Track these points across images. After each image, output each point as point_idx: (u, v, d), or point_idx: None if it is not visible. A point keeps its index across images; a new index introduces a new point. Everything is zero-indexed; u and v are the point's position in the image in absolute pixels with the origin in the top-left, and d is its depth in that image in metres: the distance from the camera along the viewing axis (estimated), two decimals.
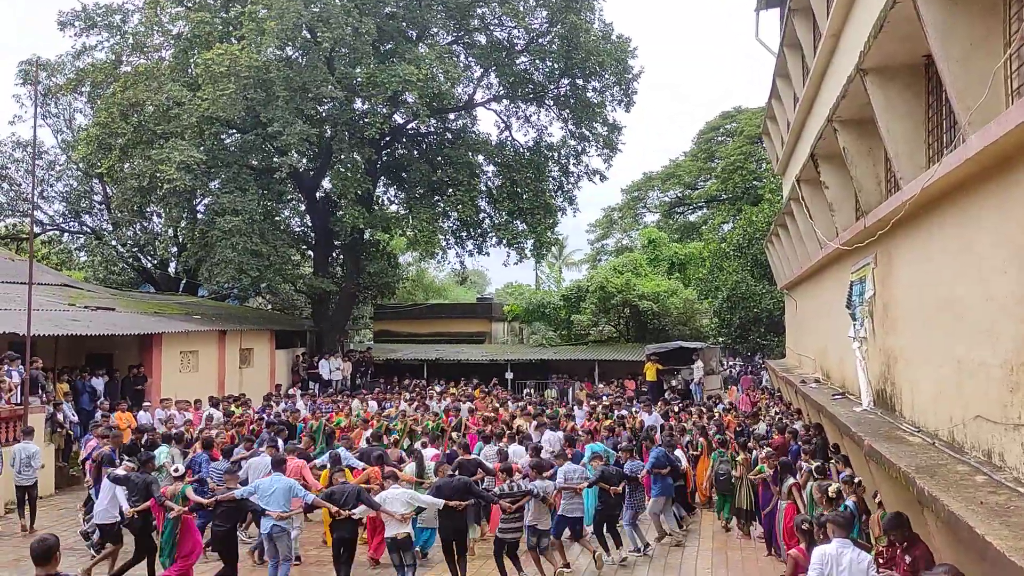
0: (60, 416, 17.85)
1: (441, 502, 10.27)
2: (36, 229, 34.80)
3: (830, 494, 9.33)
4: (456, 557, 10.48)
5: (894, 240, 9.49)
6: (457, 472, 11.61)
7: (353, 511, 10.07)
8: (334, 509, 10.08)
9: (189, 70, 28.64)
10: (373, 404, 23.02)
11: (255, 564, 11.78)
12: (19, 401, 16.34)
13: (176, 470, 10.94)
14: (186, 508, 10.31)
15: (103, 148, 27.91)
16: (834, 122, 10.61)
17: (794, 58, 18.80)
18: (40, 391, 17.80)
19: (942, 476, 6.33)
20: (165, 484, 11.12)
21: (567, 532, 11.86)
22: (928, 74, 8.71)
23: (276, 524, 10.12)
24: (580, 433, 16.23)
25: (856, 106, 9.76)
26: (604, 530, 12.34)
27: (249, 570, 11.50)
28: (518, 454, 13.79)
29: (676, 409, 21.56)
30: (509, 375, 31.38)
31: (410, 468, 12.82)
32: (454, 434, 16.56)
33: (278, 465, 10.76)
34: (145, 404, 20.28)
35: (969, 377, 6.97)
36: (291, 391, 25.88)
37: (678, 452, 14.62)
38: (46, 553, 5.64)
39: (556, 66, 31.16)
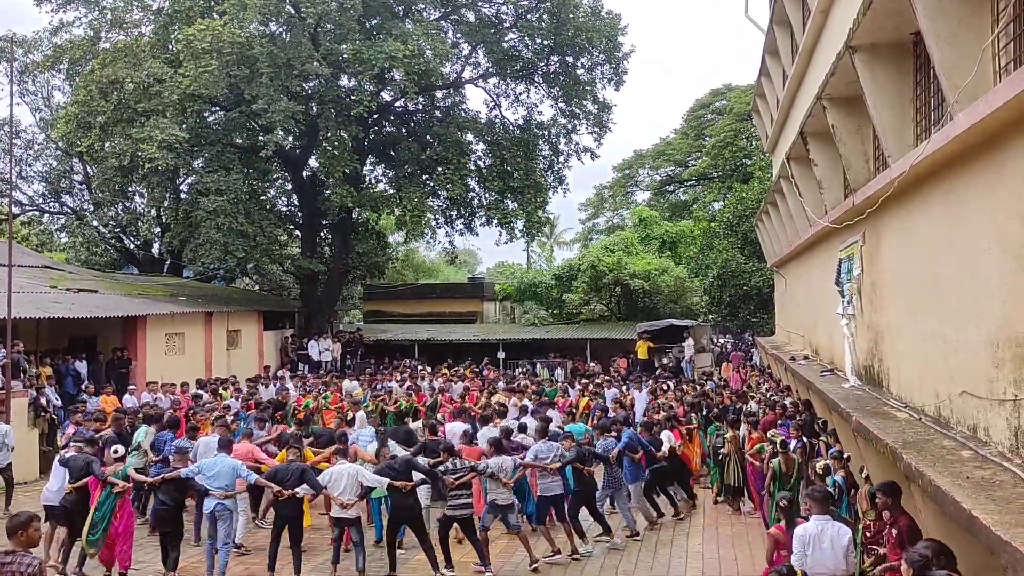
0: (43, 400, 17.69)
1: (386, 480, 10.22)
2: (15, 210, 34.44)
3: (818, 470, 9.35)
4: (422, 540, 10.41)
5: (882, 218, 9.45)
6: (422, 454, 11.57)
7: (295, 490, 10.07)
8: (276, 488, 10.08)
9: (170, 46, 28.21)
10: (352, 384, 22.86)
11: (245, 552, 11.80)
12: (1, 385, 16.19)
13: (115, 451, 10.85)
14: (129, 485, 10.41)
15: (82, 127, 27.45)
16: (823, 100, 10.52)
17: (783, 35, 18.68)
18: (23, 375, 17.63)
19: (928, 451, 6.34)
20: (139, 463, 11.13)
21: (558, 514, 11.75)
22: (916, 52, 8.63)
23: (220, 503, 10.14)
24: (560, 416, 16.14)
25: (845, 84, 9.67)
26: (581, 514, 11.97)
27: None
28: (484, 435, 13.36)
29: (665, 388, 21.64)
30: (501, 355, 31.38)
31: (372, 447, 12.30)
32: (439, 416, 16.53)
33: (224, 446, 10.87)
34: (130, 387, 20.14)
35: (955, 353, 6.98)
36: (280, 373, 25.77)
37: (666, 434, 14.05)
38: (14, 529, 6.02)
39: (545, 43, 30.89)
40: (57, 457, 11.31)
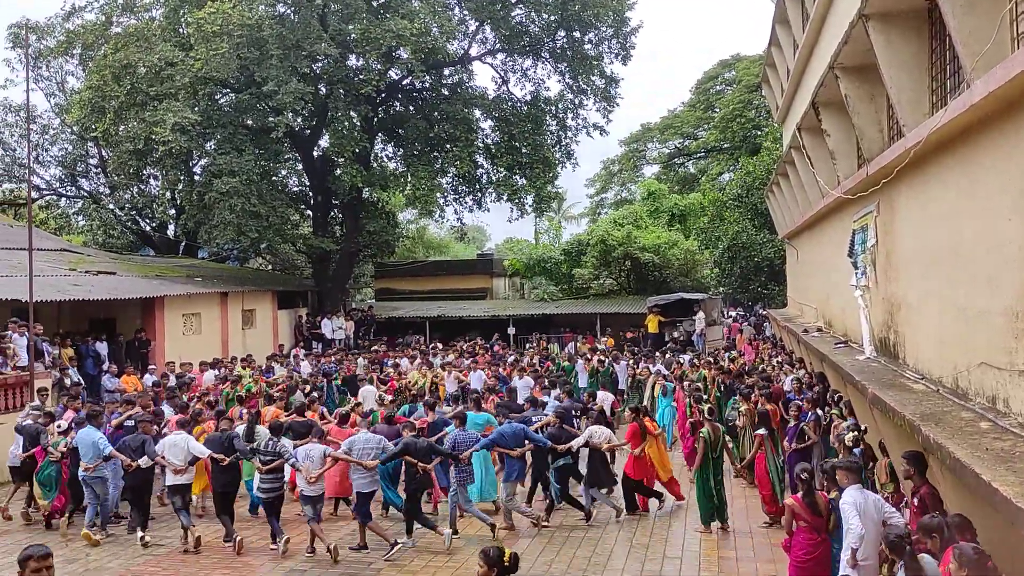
0: (67, 381, 17.96)
1: (206, 452, 11.33)
2: (33, 194, 34.64)
3: (847, 442, 9.43)
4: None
5: (897, 188, 9.43)
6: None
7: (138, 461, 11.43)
8: (126, 461, 11.46)
9: (181, 30, 28.28)
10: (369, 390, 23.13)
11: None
12: (24, 367, 16.45)
13: (59, 426, 12.57)
14: (60, 455, 12.10)
15: (97, 111, 27.64)
16: (835, 69, 10.47)
17: (794, 4, 18.53)
18: (45, 357, 17.89)
19: (947, 423, 6.36)
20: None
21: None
22: (931, 19, 8.58)
23: (82, 473, 11.56)
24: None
25: (858, 52, 9.62)
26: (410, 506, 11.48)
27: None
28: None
29: (680, 362, 21.88)
30: (511, 330, 31.51)
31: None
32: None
33: (91, 419, 11.96)
34: (150, 367, 20.41)
35: (973, 324, 6.97)
36: (294, 351, 26.02)
37: (598, 429, 12.61)
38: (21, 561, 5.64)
39: (552, 18, 30.71)
40: (15, 424, 13.40)
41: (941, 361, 8.05)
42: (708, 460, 11.73)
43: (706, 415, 12.44)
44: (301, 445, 11.49)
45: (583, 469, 12.89)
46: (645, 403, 17.19)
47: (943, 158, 7.69)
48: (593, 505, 12.54)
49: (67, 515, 12.22)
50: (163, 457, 11.41)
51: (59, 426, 12.57)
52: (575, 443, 12.42)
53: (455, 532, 11.30)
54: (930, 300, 8.38)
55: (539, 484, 12.88)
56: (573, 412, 14.61)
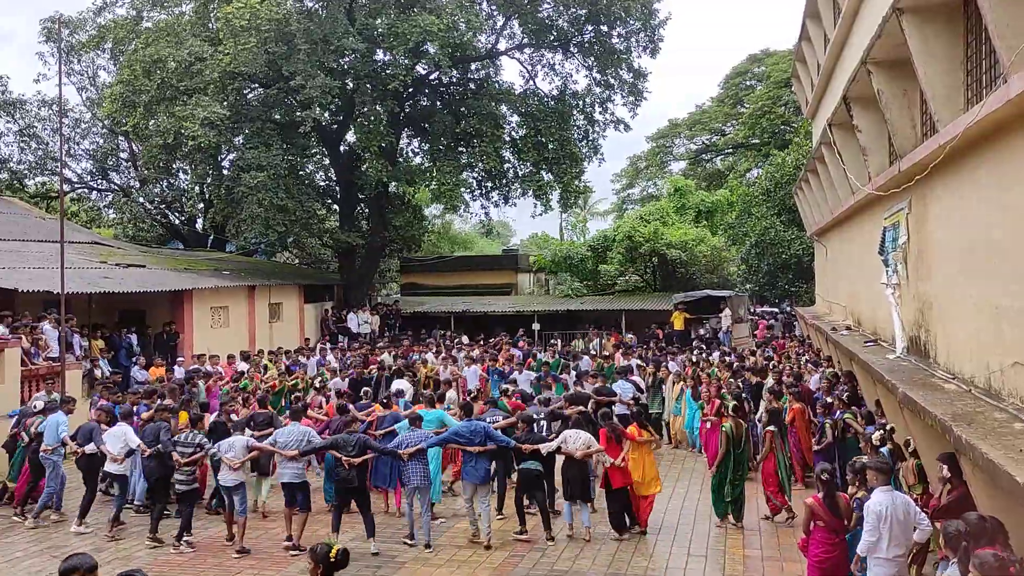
0: (98, 372, 18.21)
1: (137, 441, 11.81)
2: (65, 187, 35.13)
3: (874, 441, 9.32)
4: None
5: (929, 185, 9.29)
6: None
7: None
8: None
9: (210, 24, 28.53)
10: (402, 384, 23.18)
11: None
12: (56, 358, 16.70)
13: (34, 407, 13.36)
14: (28, 438, 12.83)
15: (127, 105, 28.00)
16: (868, 64, 10.33)
17: None
18: (76, 348, 18.15)
19: (980, 424, 6.25)
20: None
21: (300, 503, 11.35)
22: (967, 12, 8.44)
23: (42, 454, 12.30)
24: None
25: (891, 47, 9.49)
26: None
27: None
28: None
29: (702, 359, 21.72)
30: (536, 326, 31.48)
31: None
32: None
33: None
34: (178, 359, 20.64)
35: (1007, 323, 6.86)
36: (320, 344, 26.17)
37: (569, 433, 11.48)
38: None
39: (580, 12, 30.57)
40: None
41: (974, 360, 7.92)
42: (730, 455, 11.68)
43: (730, 411, 12.18)
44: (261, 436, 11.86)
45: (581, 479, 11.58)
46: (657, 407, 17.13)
47: (978, 154, 7.56)
48: (571, 527, 11.42)
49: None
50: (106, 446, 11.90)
51: (34, 407, 13.32)
52: (545, 446, 11.30)
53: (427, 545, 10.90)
54: (963, 298, 8.25)
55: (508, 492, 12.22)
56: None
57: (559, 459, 11.57)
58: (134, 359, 20.00)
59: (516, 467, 11.78)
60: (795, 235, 30.74)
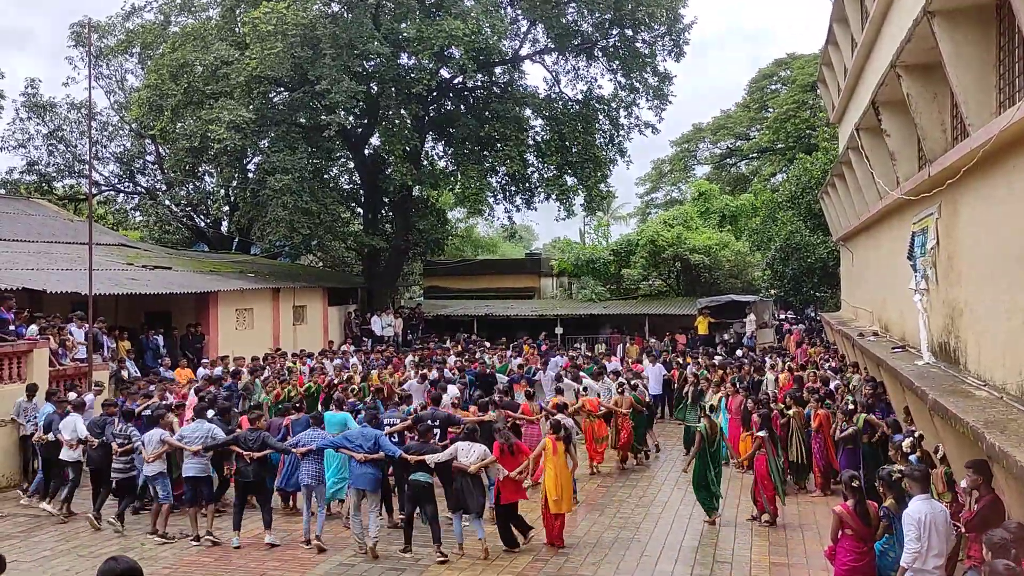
0: (124, 374, 18.39)
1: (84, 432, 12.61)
2: (92, 190, 35.60)
3: (904, 448, 9.21)
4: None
5: (960, 189, 9.19)
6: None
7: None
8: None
9: (236, 29, 28.77)
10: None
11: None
12: (83, 359, 16.90)
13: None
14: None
15: (155, 109, 28.30)
16: (897, 67, 10.25)
17: (852, 2, 18.18)
18: (103, 349, 18.35)
19: (1013, 431, 6.19)
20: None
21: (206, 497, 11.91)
22: (1000, 16, 8.36)
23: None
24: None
25: (921, 50, 9.41)
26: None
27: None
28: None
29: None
30: (559, 330, 31.43)
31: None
32: None
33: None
34: (203, 361, 20.80)
35: None
36: (344, 347, 26.27)
37: (462, 445, 10.89)
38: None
39: (605, 16, 30.54)
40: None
41: (1006, 366, 7.82)
42: (705, 454, 12.13)
43: (706, 412, 12.99)
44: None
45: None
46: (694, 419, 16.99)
47: (1010, 158, 7.47)
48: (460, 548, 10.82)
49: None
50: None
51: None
52: (432, 458, 10.65)
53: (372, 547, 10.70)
54: (994, 304, 8.15)
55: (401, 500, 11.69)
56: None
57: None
58: (160, 360, 20.18)
59: (406, 478, 11.04)
60: (820, 240, 30.48)
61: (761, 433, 12.15)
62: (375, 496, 10.91)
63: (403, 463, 10.94)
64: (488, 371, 20.59)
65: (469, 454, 10.68)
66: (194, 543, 11.27)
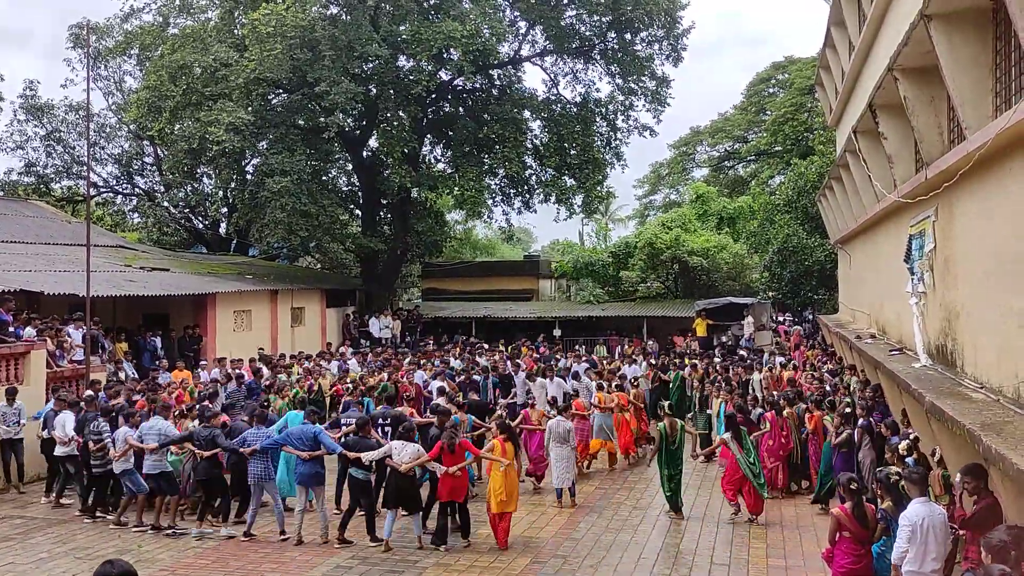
0: (122, 375, 18.39)
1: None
2: (90, 192, 35.59)
3: (900, 451, 9.22)
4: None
5: (957, 192, 9.20)
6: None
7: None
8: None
9: (235, 31, 28.83)
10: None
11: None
12: (81, 360, 16.89)
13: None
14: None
15: (153, 111, 28.32)
16: (894, 71, 10.26)
17: (850, 5, 18.20)
18: (101, 351, 18.34)
19: (1009, 433, 6.19)
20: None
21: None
22: (996, 19, 8.37)
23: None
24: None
25: (918, 54, 9.42)
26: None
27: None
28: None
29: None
30: (557, 332, 31.46)
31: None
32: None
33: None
34: (201, 363, 20.81)
35: None
36: (342, 349, 26.29)
37: (396, 444, 11.07)
38: None
39: (603, 19, 30.61)
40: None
41: (1001, 370, 7.83)
42: (664, 453, 12.62)
43: (665, 410, 13.31)
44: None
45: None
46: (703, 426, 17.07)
47: (1007, 162, 7.49)
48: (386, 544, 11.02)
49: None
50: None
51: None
52: (367, 455, 11.11)
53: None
54: (991, 307, 8.17)
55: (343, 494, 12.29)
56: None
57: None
58: (158, 362, 20.17)
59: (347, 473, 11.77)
60: (818, 242, 30.51)
61: (724, 435, 12.48)
62: (320, 490, 11.56)
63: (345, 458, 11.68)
64: (507, 373, 20.95)
65: (402, 452, 10.94)
66: (152, 532, 11.83)
